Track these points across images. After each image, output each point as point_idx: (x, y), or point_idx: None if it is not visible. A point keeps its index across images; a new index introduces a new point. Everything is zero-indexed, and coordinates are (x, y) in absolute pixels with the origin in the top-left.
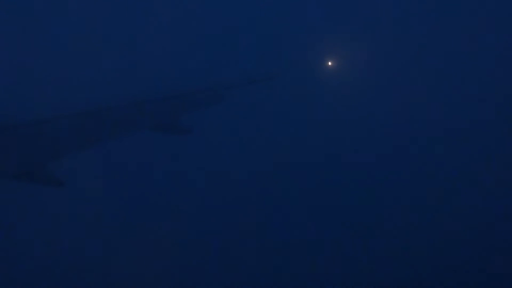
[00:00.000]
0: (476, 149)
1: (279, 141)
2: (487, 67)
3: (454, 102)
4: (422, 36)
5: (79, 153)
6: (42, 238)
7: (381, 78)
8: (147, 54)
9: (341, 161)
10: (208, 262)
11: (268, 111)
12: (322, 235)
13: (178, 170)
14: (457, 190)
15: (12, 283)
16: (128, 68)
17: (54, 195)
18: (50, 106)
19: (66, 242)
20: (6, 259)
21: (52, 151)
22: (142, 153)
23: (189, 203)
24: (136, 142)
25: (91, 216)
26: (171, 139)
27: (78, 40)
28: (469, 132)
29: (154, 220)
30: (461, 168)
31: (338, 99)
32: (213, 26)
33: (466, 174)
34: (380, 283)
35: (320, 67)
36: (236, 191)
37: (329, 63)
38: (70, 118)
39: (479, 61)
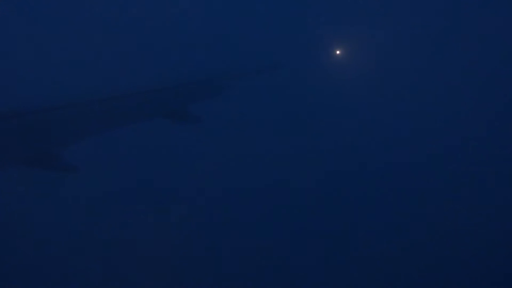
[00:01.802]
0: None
1: (286, 130)
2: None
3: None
4: (436, 27)
5: (92, 139)
6: (56, 224)
7: (391, 69)
8: (157, 44)
9: (347, 153)
10: (216, 248)
11: (275, 100)
12: (324, 232)
13: (188, 158)
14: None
15: (24, 272)
16: (138, 57)
17: (67, 181)
18: (62, 94)
19: (79, 228)
20: (19, 246)
21: (65, 138)
22: (152, 141)
23: (198, 191)
24: (146, 130)
25: (103, 202)
26: (180, 128)
27: (90, 30)
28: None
29: (164, 206)
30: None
31: (345, 89)
32: (221, 15)
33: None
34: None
35: (327, 57)
36: (244, 181)
37: (337, 52)
38: (83, 105)
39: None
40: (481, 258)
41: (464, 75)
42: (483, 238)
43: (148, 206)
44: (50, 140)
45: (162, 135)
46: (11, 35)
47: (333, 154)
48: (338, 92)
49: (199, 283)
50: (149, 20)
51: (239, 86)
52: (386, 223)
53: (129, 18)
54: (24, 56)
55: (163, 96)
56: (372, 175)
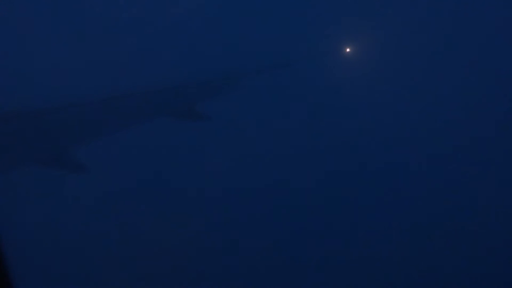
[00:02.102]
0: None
1: (292, 129)
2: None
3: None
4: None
5: (103, 138)
6: (65, 223)
7: (400, 69)
8: (165, 41)
9: (354, 153)
10: (222, 248)
11: (281, 99)
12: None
13: (197, 157)
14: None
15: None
16: (143, 57)
17: (77, 180)
18: (72, 93)
19: (88, 226)
20: (30, 244)
21: (74, 137)
22: (156, 140)
23: (203, 191)
24: (150, 129)
25: (111, 201)
26: (191, 125)
27: (98, 30)
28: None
29: (168, 205)
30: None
31: (357, 86)
32: (226, 14)
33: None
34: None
35: (334, 56)
36: (249, 181)
37: (348, 50)
38: (90, 105)
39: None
40: (481, 258)
41: (478, 75)
42: (484, 238)
43: (153, 205)
44: (60, 139)
45: (166, 134)
46: (19, 36)
47: (341, 154)
48: (345, 92)
49: (203, 282)
50: (154, 19)
51: (244, 86)
52: (391, 224)
53: (134, 18)
54: (30, 58)
55: (169, 95)
56: (378, 176)
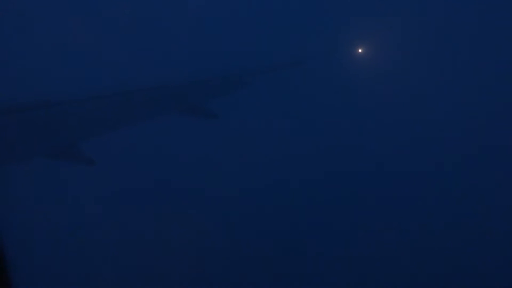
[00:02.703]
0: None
1: (304, 127)
2: None
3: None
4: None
5: (109, 134)
6: (73, 217)
7: (416, 67)
8: (174, 38)
9: (364, 153)
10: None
11: (293, 97)
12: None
13: (204, 154)
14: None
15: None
16: (155, 52)
17: (85, 174)
18: (81, 87)
19: (95, 221)
20: (36, 237)
21: (83, 131)
22: (168, 136)
23: (213, 188)
24: (163, 125)
25: (120, 196)
26: (197, 123)
27: (111, 26)
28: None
29: (173, 205)
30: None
31: (368, 87)
32: (239, 9)
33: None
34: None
35: (347, 54)
36: (258, 179)
37: (360, 50)
38: (100, 99)
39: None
40: (481, 259)
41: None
42: (484, 238)
43: (153, 204)
44: (69, 133)
45: (167, 133)
46: (32, 31)
47: (342, 154)
48: (345, 91)
49: (203, 282)
50: (168, 15)
51: (256, 83)
52: (395, 225)
53: (136, 17)
54: (33, 53)
55: (180, 91)
56: (381, 176)
